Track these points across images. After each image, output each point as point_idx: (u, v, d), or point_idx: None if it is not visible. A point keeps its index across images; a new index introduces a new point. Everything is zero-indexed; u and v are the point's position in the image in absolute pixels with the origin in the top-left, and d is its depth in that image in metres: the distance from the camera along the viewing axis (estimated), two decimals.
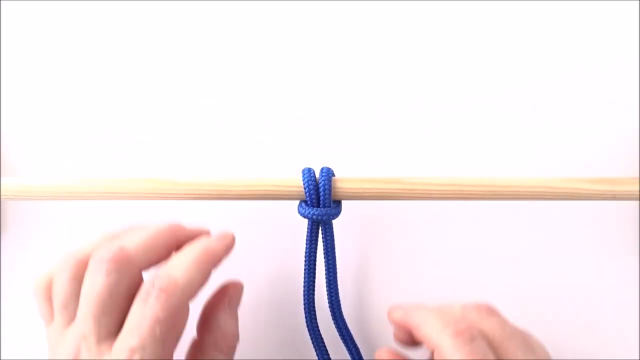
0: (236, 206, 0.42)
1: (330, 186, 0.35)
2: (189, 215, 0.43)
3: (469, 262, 0.42)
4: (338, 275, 0.40)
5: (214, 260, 0.32)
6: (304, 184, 0.35)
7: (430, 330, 0.29)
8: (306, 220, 0.37)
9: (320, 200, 0.35)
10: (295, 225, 0.41)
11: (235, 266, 0.42)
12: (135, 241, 0.31)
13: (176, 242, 0.33)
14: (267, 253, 0.42)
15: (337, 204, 0.37)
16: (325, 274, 0.38)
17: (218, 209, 0.42)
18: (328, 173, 0.36)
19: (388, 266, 0.42)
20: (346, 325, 0.39)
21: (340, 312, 0.39)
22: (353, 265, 0.42)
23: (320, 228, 0.37)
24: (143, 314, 0.27)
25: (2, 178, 0.38)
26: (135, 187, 0.37)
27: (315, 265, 0.38)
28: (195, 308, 0.41)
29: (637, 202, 0.40)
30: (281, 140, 0.41)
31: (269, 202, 0.40)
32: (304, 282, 0.37)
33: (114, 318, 0.29)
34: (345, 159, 0.41)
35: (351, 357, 0.40)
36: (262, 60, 0.41)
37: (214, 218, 0.42)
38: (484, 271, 0.42)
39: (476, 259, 0.42)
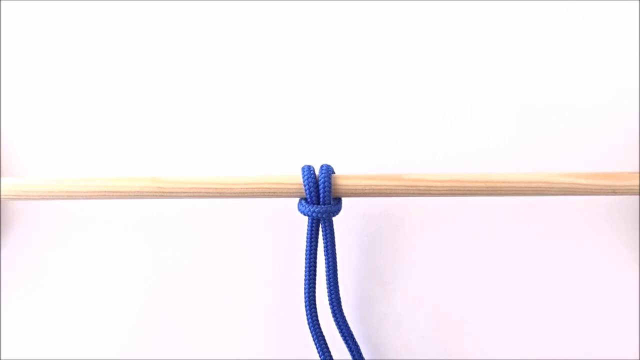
0: (236, 204, 0.42)
1: (330, 183, 0.35)
2: (188, 214, 0.42)
3: (468, 259, 0.41)
4: (339, 273, 0.40)
5: None
6: (303, 181, 0.35)
7: None
8: (306, 218, 0.37)
9: (320, 198, 0.35)
10: (295, 223, 0.41)
11: (235, 264, 0.42)
12: None
13: None
14: (267, 251, 0.41)
15: (338, 201, 0.37)
16: (326, 272, 0.38)
17: (218, 207, 0.42)
18: (328, 170, 0.36)
19: (389, 263, 0.41)
20: (347, 324, 0.39)
21: (341, 310, 0.39)
22: (354, 263, 0.41)
23: (320, 226, 0.37)
24: None
25: (2, 178, 0.38)
26: (134, 186, 0.37)
27: (315, 263, 0.37)
28: (193, 308, 0.41)
29: (637, 197, 0.39)
30: (280, 138, 0.41)
31: (269, 200, 0.41)
32: (305, 280, 0.37)
33: None
34: (345, 156, 0.40)
35: (352, 355, 0.40)
36: (261, 58, 0.41)
37: (213, 216, 0.42)
38: (483, 267, 0.41)
39: (475, 254, 0.41)
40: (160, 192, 0.37)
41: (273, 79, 0.41)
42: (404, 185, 0.36)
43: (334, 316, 0.38)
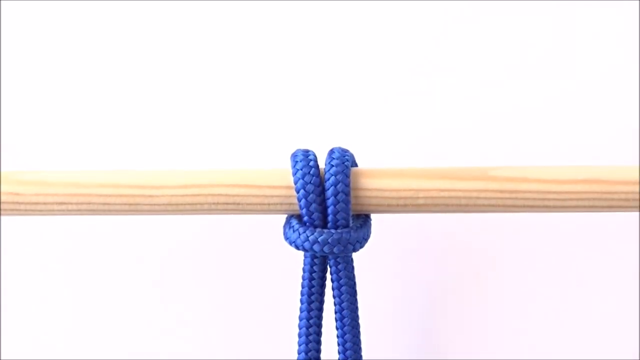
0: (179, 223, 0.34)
1: (348, 185, 0.25)
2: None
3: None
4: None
5: None
6: (295, 181, 0.25)
7: None
8: (301, 254, 0.27)
9: (329, 214, 0.25)
10: (282, 261, 0.33)
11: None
12: None
13: None
14: (239, 318, 0.34)
15: (363, 221, 0.26)
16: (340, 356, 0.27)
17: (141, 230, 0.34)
18: (343, 159, 0.25)
19: (452, 335, 0.34)
20: None
21: None
22: (387, 333, 0.34)
23: (329, 269, 0.27)
24: None
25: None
26: None
27: (320, 336, 0.27)
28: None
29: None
30: (253, 106, 0.33)
31: (233, 218, 0.32)
32: None
33: None
34: (368, 137, 0.34)
35: None
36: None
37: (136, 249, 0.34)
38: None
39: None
40: (14, 204, 0.24)
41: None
42: (497, 191, 0.24)
43: None
